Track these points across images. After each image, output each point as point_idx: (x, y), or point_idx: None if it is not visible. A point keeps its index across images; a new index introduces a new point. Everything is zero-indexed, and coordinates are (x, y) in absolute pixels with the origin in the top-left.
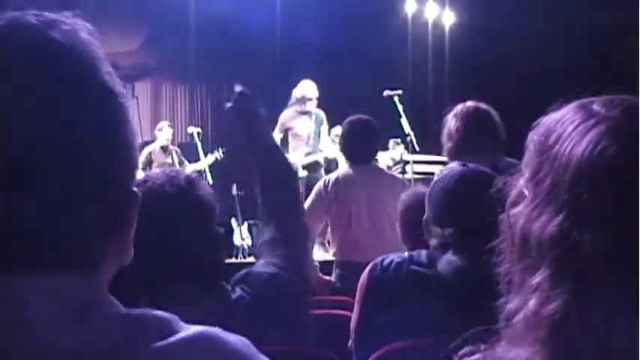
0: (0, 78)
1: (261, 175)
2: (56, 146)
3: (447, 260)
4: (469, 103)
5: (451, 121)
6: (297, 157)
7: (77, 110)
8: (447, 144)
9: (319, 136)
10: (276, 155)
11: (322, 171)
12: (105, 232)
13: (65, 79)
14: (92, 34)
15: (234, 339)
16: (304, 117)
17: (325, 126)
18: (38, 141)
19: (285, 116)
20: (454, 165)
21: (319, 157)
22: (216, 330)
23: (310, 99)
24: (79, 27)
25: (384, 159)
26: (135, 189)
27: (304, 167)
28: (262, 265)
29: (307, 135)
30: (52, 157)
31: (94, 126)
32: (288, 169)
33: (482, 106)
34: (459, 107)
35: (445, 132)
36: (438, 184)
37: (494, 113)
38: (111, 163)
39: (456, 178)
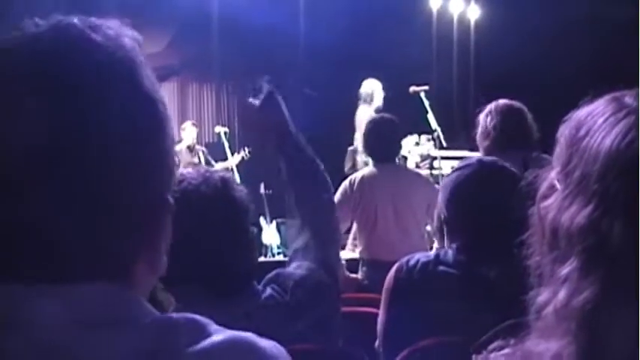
0: (42, 80)
1: (291, 174)
2: (92, 149)
3: (470, 267)
4: (502, 101)
5: (486, 119)
6: None
7: (115, 114)
8: (484, 142)
9: None
10: (306, 154)
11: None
12: (137, 239)
13: (105, 83)
14: (136, 41)
15: (268, 344)
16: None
17: None
18: (73, 143)
19: (362, 116)
20: (468, 161)
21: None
22: (249, 335)
23: (378, 96)
24: (123, 32)
25: (413, 155)
26: (169, 198)
27: None
28: (294, 267)
29: None
30: (88, 160)
31: (131, 131)
32: (319, 168)
33: (515, 104)
34: (493, 105)
35: (480, 130)
36: (450, 186)
37: (526, 111)
38: (147, 171)
39: (470, 180)
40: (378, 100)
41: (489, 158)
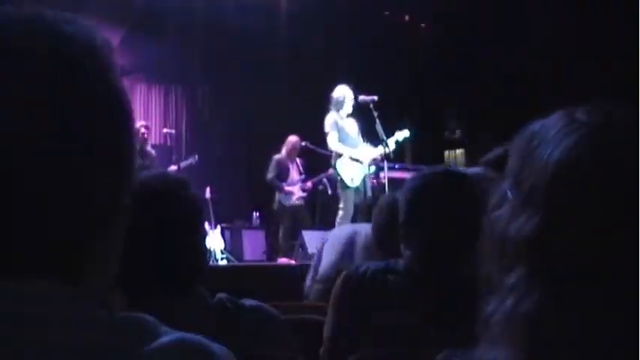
0: (13, 70)
1: None
2: (55, 141)
3: (421, 275)
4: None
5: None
6: (366, 154)
7: (82, 108)
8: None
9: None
10: None
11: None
12: (91, 237)
13: (75, 76)
14: (107, 41)
15: (217, 347)
16: (349, 118)
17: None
18: (38, 134)
19: (333, 118)
20: (433, 169)
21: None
22: (198, 337)
23: (349, 101)
24: (93, 29)
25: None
26: (127, 197)
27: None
28: None
29: (356, 134)
30: (49, 152)
31: (97, 126)
32: None
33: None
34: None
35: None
36: (410, 191)
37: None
38: (109, 168)
39: (417, 190)
40: (348, 107)
41: (445, 168)
